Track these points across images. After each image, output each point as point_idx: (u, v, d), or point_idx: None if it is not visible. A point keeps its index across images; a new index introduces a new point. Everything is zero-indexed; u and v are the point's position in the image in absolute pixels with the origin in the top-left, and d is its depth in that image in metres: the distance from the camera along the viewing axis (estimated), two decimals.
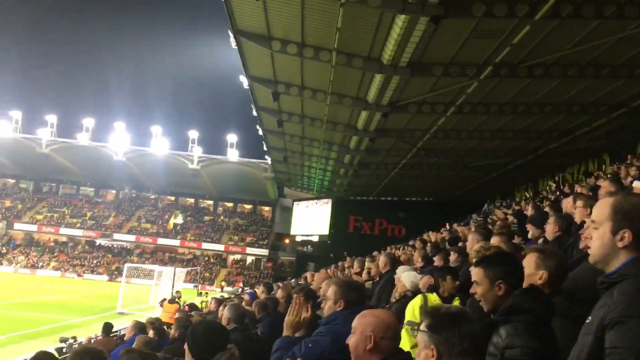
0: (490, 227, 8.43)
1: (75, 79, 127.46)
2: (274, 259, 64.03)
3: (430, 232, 13.80)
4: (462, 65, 15.98)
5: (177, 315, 10.46)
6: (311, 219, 45.82)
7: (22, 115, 66.07)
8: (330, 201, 43.87)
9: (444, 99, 19.13)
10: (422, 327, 2.04)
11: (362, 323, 2.35)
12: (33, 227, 66.01)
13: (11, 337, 18.46)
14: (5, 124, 64.25)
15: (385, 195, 40.77)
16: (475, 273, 2.61)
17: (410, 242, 13.92)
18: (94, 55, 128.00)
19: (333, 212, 42.91)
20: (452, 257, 6.11)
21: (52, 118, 65.42)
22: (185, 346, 3.23)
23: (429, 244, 9.76)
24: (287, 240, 59.11)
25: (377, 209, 41.55)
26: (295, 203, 51.04)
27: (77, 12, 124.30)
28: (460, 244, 7.75)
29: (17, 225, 65.44)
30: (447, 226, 16.52)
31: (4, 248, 62.81)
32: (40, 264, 60.29)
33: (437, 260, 6.52)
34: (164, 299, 20.66)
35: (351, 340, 2.31)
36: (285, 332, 3.43)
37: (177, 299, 20.24)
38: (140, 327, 8.13)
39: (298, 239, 49.21)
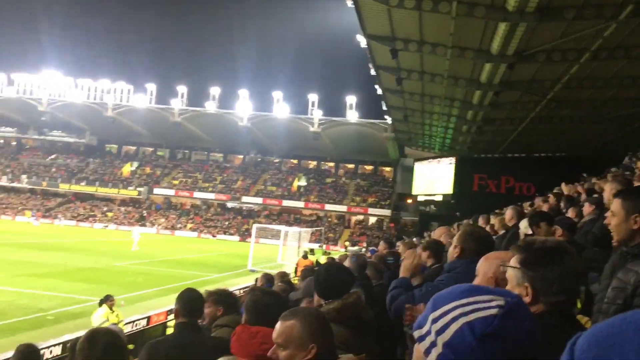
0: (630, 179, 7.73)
1: (203, 50, 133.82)
2: (396, 220, 64.04)
3: (564, 185, 12.98)
4: (598, 5, 14.58)
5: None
6: (433, 179, 44.95)
7: (156, 87, 70.77)
8: (453, 159, 42.66)
9: (576, 45, 17.62)
10: (513, 262, 1.84)
11: (485, 265, 2.25)
12: (170, 192, 71.26)
13: (158, 291, 20.20)
14: (142, 96, 69.24)
15: (512, 152, 38.90)
16: (614, 204, 2.57)
17: (540, 198, 13.16)
18: (221, 27, 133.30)
19: (456, 171, 41.71)
20: (587, 209, 5.70)
21: (182, 89, 69.36)
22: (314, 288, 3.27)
23: (562, 197, 9.17)
24: (409, 201, 58.64)
25: (503, 166, 39.77)
26: (416, 162, 50.26)
27: None
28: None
29: (156, 190, 70.99)
30: (583, 179, 15.42)
31: (145, 211, 68.55)
32: (179, 225, 65.06)
33: (570, 213, 6.14)
34: (305, 252, 22.12)
35: (474, 283, 2.21)
36: (401, 274, 3.48)
37: (309, 255, 21.40)
38: (268, 279, 8.47)
39: (420, 198, 48.58)
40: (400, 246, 7.22)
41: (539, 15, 14.97)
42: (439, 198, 44.31)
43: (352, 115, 64.56)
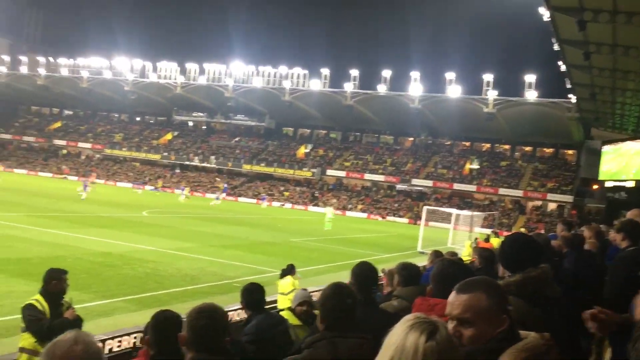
0: None
1: (376, 34, 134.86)
2: (579, 206, 59.23)
3: None
4: None
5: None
6: (625, 163, 40.67)
7: (330, 71, 73.02)
8: None
9: None
10: None
11: None
12: (342, 173, 73.41)
13: (330, 267, 21.05)
14: (316, 81, 71.96)
15: None
16: None
17: None
18: (394, 9, 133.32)
19: None
20: None
21: (354, 72, 70.69)
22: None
23: None
24: (594, 186, 53.84)
25: None
26: (605, 145, 45.83)
27: None
28: None
29: (328, 172, 73.60)
30: None
31: (318, 192, 71.46)
32: (349, 206, 66.88)
33: None
34: (476, 238, 21.47)
35: None
36: None
37: (490, 239, 20.79)
38: (438, 256, 8.35)
39: (608, 184, 44.28)
40: (584, 230, 6.66)
41: None
42: (631, 184, 40.00)
43: (531, 95, 60.69)
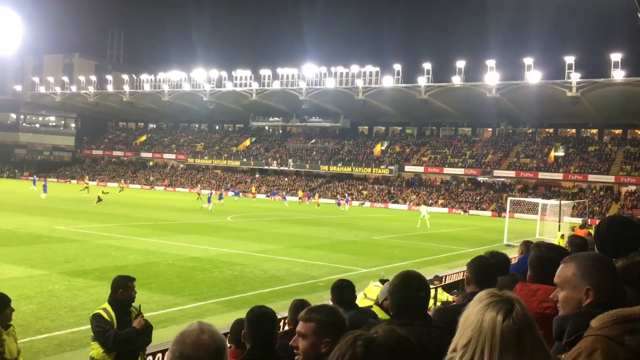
0: None
1: (448, 25, 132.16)
2: None
3: None
4: None
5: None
6: None
7: (402, 67, 72.17)
8: None
9: None
10: None
11: None
12: (420, 169, 72.43)
13: (414, 263, 20.80)
14: (389, 77, 71.35)
15: None
16: None
17: None
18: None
19: None
20: None
21: (427, 65, 69.53)
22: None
23: None
24: None
25: None
26: None
27: None
28: None
29: (406, 168, 72.82)
30: None
31: (397, 189, 70.87)
32: (430, 201, 65.88)
33: None
34: (573, 228, 20.82)
35: None
36: None
37: (587, 225, 19.93)
38: (528, 246, 8.04)
39: None
40: None
41: None
42: None
43: (618, 75, 57.36)
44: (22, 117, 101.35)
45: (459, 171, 69.79)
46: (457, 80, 66.98)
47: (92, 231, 25.03)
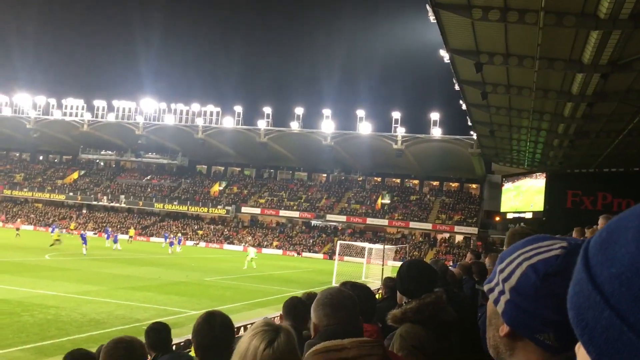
0: None
1: (288, 72, 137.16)
2: (483, 237, 62.17)
3: None
4: None
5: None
6: (523, 195, 43.32)
7: (243, 109, 73.21)
8: (543, 175, 40.95)
9: None
10: None
11: None
12: (257, 210, 73.02)
13: (244, 305, 20.71)
14: (229, 118, 71.82)
15: (609, 166, 36.84)
16: None
17: None
18: (304, 49, 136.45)
19: (547, 187, 39.88)
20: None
21: (268, 109, 71.34)
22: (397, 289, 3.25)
23: None
24: (497, 218, 56.75)
25: (599, 181, 37.54)
26: (504, 179, 48.70)
27: (288, 14, 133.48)
28: None
29: (244, 209, 72.99)
30: None
31: (233, 230, 70.58)
32: (265, 243, 66.47)
33: None
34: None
35: None
36: None
37: None
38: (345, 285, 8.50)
39: (509, 216, 46.91)
40: (486, 259, 7.06)
41: (634, 22, 14.25)
42: (530, 215, 42.62)
43: (436, 132, 63.71)
44: None
45: (295, 214, 71.57)
46: (295, 125, 69.43)
47: None
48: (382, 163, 70.98)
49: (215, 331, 2.94)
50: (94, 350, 4.27)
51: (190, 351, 6.85)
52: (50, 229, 55.86)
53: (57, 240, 40.56)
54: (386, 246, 41.40)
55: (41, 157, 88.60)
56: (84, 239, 37.83)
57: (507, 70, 20.92)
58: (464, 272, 5.89)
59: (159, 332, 4.54)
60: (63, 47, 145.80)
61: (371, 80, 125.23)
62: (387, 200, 71.16)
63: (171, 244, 48.54)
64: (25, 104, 77.37)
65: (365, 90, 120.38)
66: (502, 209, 49.57)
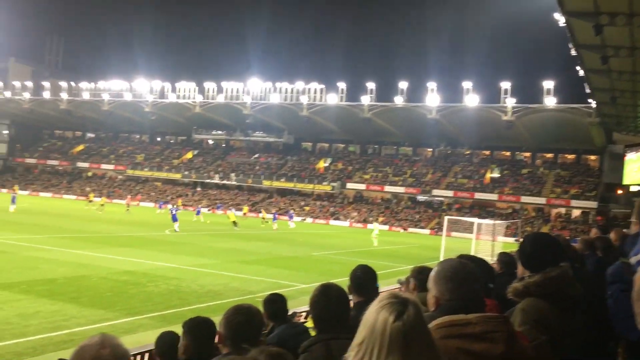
0: None
1: (392, 46, 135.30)
2: (604, 212, 58.33)
3: None
4: None
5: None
6: None
7: (347, 85, 73.25)
8: None
9: None
10: None
11: None
12: (362, 186, 73.30)
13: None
14: (333, 95, 72.19)
15: None
16: None
17: None
18: (410, 21, 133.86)
19: None
20: None
21: (371, 85, 70.83)
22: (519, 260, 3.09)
23: None
24: (619, 191, 53.12)
25: None
26: (627, 149, 45.28)
27: None
28: None
29: (349, 185, 73.55)
30: None
31: (339, 205, 71.42)
32: (370, 218, 66.66)
33: None
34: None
35: None
36: None
37: None
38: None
39: (633, 188, 43.64)
40: (612, 233, 6.58)
41: None
42: None
43: (550, 101, 60.14)
44: None
45: (400, 189, 71.05)
46: (399, 100, 68.48)
47: (20, 242, 23.97)
48: (490, 136, 68.38)
49: (332, 303, 2.96)
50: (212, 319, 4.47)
51: (307, 322, 7.03)
52: (157, 206, 59.44)
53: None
54: (496, 221, 40.08)
55: (159, 139, 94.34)
56: (173, 216, 37.40)
57: (631, 32, 19.23)
58: (586, 247, 5.52)
59: (276, 302, 4.68)
60: (176, 34, 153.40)
61: (478, 50, 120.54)
62: (496, 174, 68.63)
63: (274, 218, 49.86)
64: (143, 89, 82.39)
65: (472, 61, 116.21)
66: (625, 182, 46.23)
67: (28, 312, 12.17)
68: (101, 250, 23.51)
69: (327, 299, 2.99)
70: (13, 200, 42.49)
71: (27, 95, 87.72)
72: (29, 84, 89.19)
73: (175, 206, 43.71)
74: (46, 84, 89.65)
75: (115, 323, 11.91)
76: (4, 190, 71.74)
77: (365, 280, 4.07)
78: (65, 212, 46.89)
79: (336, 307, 2.99)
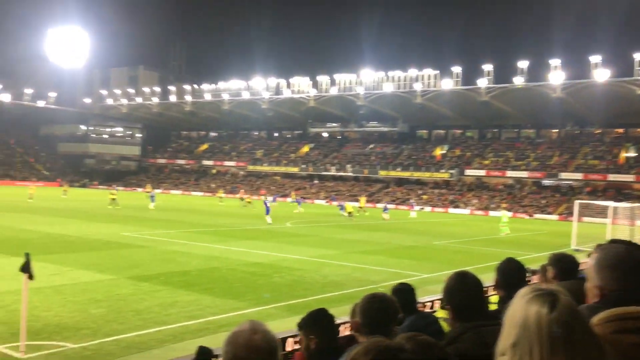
0: None
1: (510, 25, 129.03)
2: None
3: None
4: None
5: None
6: None
7: (462, 69, 70.95)
8: None
9: None
10: None
11: None
12: (481, 172, 70.85)
13: (476, 268, 20.28)
14: (448, 80, 70.24)
15: None
16: None
17: None
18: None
19: None
20: None
21: (488, 67, 68.06)
22: None
23: None
24: None
25: None
26: None
27: None
28: None
29: (467, 171, 71.41)
30: None
31: (457, 193, 69.56)
32: (492, 205, 64.27)
33: None
34: None
35: None
36: None
37: None
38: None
39: None
40: None
41: None
42: None
43: None
44: (91, 128, 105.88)
45: (523, 174, 67.80)
46: (519, 80, 65.20)
47: (157, 237, 25.79)
48: (623, 112, 63.11)
49: (471, 291, 2.82)
50: (335, 310, 4.45)
51: (435, 312, 6.86)
52: (271, 199, 60.58)
53: (249, 202, 52.59)
54: (634, 204, 36.94)
55: (276, 134, 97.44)
56: (266, 206, 37.27)
57: None
58: None
59: (405, 292, 4.57)
60: (290, 31, 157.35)
61: (607, 20, 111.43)
62: (632, 153, 63.28)
63: (385, 209, 48.94)
64: (259, 86, 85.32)
65: (600, 32, 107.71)
66: None
67: (167, 302, 13.03)
68: (229, 243, 24.67)
69: (465, 287, 2.85)
70: (152, 199, 45.83)
71: (155, 100, 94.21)
72: (157, 89, 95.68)
73: (267, 197, 45.91)
74: (172, 88, 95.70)
75: (245, 312, 12.41)
76: (139, 190, 77.72)
77: (516, 274, 3.81)
78: (194, 207, 49.85)
79: (475, 295, 2.84)
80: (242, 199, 58.69)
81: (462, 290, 2.83)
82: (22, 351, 8.91)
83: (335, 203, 64.73)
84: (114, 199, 45.05)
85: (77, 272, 16.35)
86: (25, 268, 8.76)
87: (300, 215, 44.90)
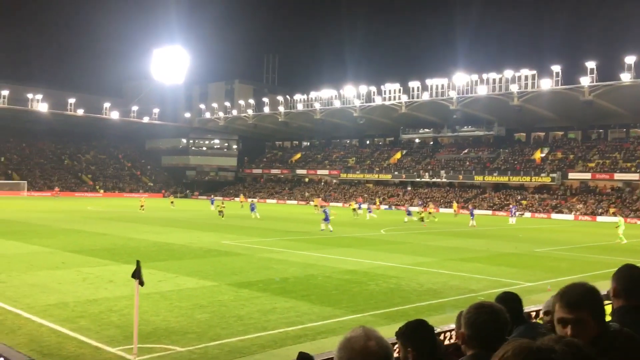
0: None
1: (615, 17, 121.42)
2: None
3: None
4: None
5: None
6: None
7: (562, 67, 67.54)
8: None
9: None
10: None
11: None
12: (586, 175, 66.95)
13: (585, 277, 19.13)
14: (547, 80, 67.07)
15: None
16: None
17: None
18: None
19: None
20: None
21: (591, 64, 64.38)
22: None
23: None
24: None
25: None
26: None
27: None
28: None
29: (570, 175, 67.72)
30: None
31: (560, 198, 66.08)
32: (599, 210, 60.54)
33: None
34: None
35: None
36: None
37: None
38: None
39: None
40: None
41: None
42: None
43: None
44: (191, 141, 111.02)
45: (634, 176, 63.33)
46: (626, 77, 61.13)
47: (255, 245, 26.51)
48: None
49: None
50: (433, 319, 4.33)
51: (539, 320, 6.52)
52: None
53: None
54: None
55: (368, 142, 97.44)
56: (325, 214, 35.77)
57: None
58: None
59: (510, 301, 4.31)
60: (380, 38, 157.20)
61: None
62: None
63: (471, 215, 46.80)
64: (350, 94, 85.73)
65: None
66: None
67: (266, 308, 13.33)
68: (324, 250, 24.90)
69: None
70: (253, 209, 47.23)
71: (250, 112, 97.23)
72: (252, 101, 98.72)
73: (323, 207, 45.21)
74: (265, 100, 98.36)
75: (343, 319, 12.44)
76: (237, 199, 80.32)
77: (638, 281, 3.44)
78: (289, 216, 50.83)
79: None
80: (319, 206, 58.85)
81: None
82: (135, 353, 9.44)
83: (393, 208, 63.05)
84: (221, 211, 46.35)
85: (181, 278, 17.13)
86: (136, 274, 9.29)
87: (391, 222, 44.48)
